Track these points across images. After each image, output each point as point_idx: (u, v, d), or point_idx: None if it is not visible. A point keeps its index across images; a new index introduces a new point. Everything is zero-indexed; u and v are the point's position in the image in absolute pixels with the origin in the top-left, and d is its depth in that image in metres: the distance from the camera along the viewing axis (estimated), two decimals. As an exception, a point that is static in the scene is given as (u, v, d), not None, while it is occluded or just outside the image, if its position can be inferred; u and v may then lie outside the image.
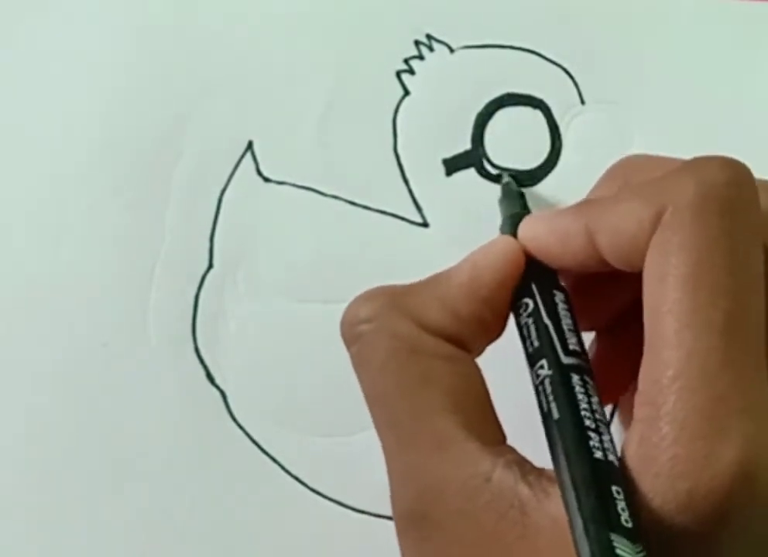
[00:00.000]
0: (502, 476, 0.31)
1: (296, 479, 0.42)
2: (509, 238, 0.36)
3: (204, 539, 0.41)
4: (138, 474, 0.42)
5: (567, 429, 0.31)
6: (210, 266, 0.44)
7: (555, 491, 0.30)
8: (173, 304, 0.43)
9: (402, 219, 0.45)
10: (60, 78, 0.47)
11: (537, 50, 0.47)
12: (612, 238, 0.32)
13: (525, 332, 0.34)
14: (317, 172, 0.45)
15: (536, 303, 0.34)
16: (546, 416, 0.32)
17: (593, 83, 0.46)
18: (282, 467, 0.42)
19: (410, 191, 0.45)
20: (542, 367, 0.33)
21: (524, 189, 0.45)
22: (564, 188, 0.45)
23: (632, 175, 0.37)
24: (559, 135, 0.46)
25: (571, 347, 0.33)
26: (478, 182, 0.45)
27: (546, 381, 0.32)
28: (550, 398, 0.32)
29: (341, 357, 0.42)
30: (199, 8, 0.47)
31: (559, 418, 0.31)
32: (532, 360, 0.33)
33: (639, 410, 0.30)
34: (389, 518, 0.41)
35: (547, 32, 0.47)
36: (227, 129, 0.46)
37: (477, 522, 0.31)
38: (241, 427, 0.42)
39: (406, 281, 0.43)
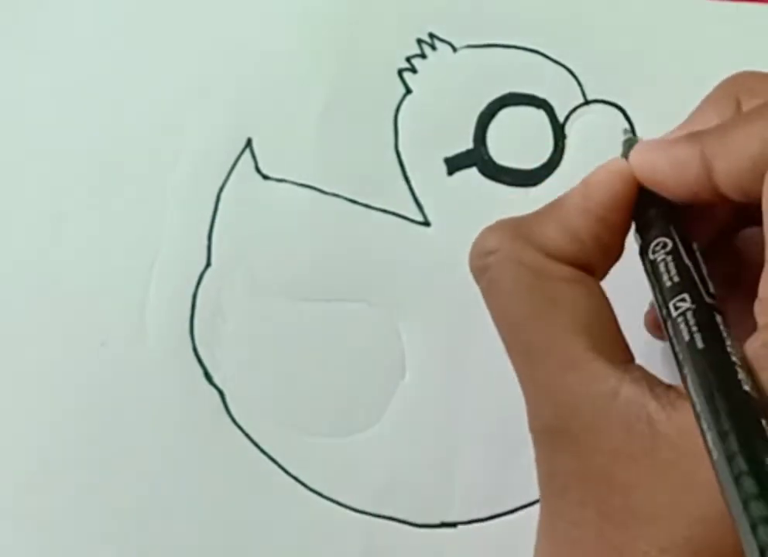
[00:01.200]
0: (630, 390, 0.31)
1: (295, 478, 0.42)
2: (619, 159, 0.36)
3: (202, 539, 0.41)
4: (136, 473, 0.42)
5: (715, 359, 0.31)
6: (209, 264, 0.44)
7: (683, 404, 0.30)
8: (171, 303, 0.43)
9: (404, 218, 0.45)
10: (58, 77, 0.47)
11: (540, 50, 0.47)
12: (733, 162, 0.32)
13: (662, 267, 0.34)
14: (317, 170, 0.45)
15: (675, 244, 0.34)
16: (687, 345, 0.32)
17: (596, 82, 0.46)
18: (281, 467, 0.42)
19: (411, 190, 0.45)
20: (683, 300, 0.33)
21: (526, 189, 0.45)
22: (566, 188, 0.44)
23: (744, 93, 0.36)
24: (562, 135, 0.46)
25: (711, 290, 0.33)
26: (479, 182, 0.45)
27: (689, 313, 0.32)
28: (694, 329, 0.32)
29: (340, 355, 0.43)
30: (199, 6, 0.47)
31: (704, 348, 0.31)
32: (669, 293, 0.33)
33: (762, 317, 0.31)
34: (389, 518, 0.41)
35: (551, 32, 0.47)
36: (226, 126, 0.46)
37: (608, 436, 0.31)
38: (239, 426, 0.42)
39: (407, 280, 0.43)
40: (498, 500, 0.41)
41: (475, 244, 0.36)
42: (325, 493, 0.41)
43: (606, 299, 0.34)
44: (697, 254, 0.35)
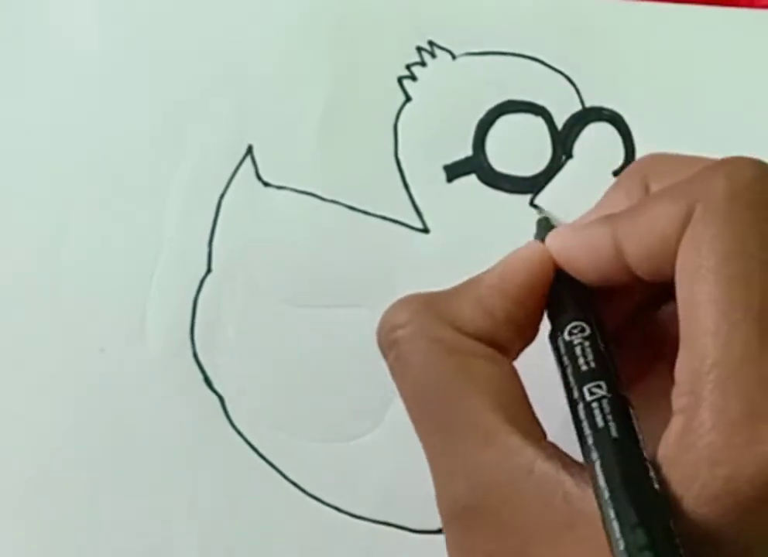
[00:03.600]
0: (546, 466, 0.31)
1: (294, 484, 0.42)
2: (538, 243, 0.37)
3: (202, 544, 0.41)
4: (136, 479, 0.42)
5: (628, 450, 0.31)
6: (209, 271, 0.44)
7: None
8: (172, 309, 0.43)
9: (403, 225, 0.45)
10: (59, 82, 0.47)
11: (539, 57, 0.47)
12: (642, 241, 0.33)
13: (578, 351, 0.34)
14: (317, 177, 0.45)
15: (592, 329, 0.35)
16: (599, 432, 0.32)
17: (594, 89, 0.46)
18: (281, 472, 0.42)
19: (411, 197, 0.45)
20: (599, 386, 0.33)
21: (524, 196, 0.45)
22: (565, 195, 0.45)
23: (652, 176, 0.37)
24: (560, 142, 0.46)
25: (621, 379, 0.34)
26: (479, 189, 0.45)
27: (605, 401, 0.32)
28: (609, 417, 0.32)
29: (340, 361, 0.43)
30: (200, 12, 0.47)
31: (618, 438, 0.31)
32: (585, 378, 0.33)
33: (677, 401, 0.30)
34: (387, 524, 0.41)
35: (549, 39, 0.47)
36: (226, 133, 0.46)
37: (525, 511, 0.31)
38: (239, 432, 0.42)
39: (406, 287, 0.43)
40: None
41: (384, 318, 0.36)
42: (324, 498, 0.41)
43: (519, 378, 0.35)
44: (610, 345, 0.35)
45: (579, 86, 0.46)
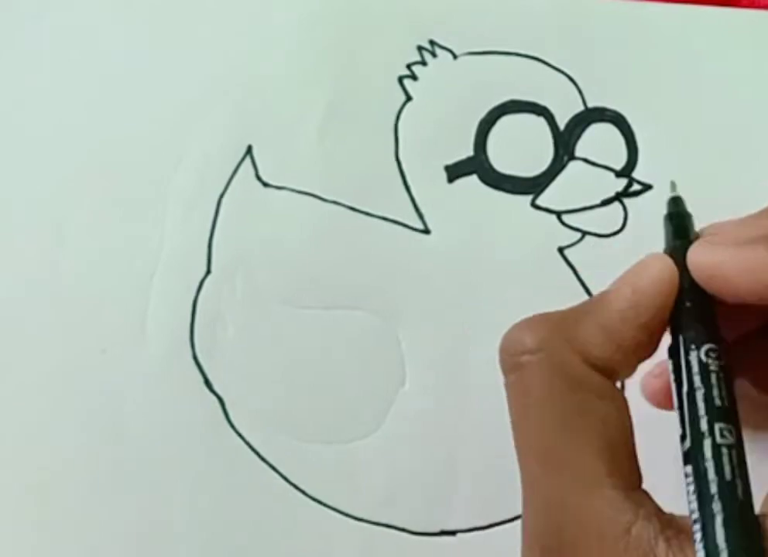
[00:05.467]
0: (642, 528, 0.31)
1: (294, 486, 0.41)
2: (663, 258, 0.35)
3: (202, 546, 0.41)
4: (136, 481, 0.42)
5: (749, 517, 0.30)
6: (209, 272, 0.44)
7: (692, 552, 0.30)
8: (172, 310, 0.43)
9: (404, 225, 0.44)
10: (60, 83, 0.47)
11: (540, 57, 0.47)
12: None
13: (714, 379, 0.32)
14: (317, 178, 0.45)
15: (726, 359, 0.33)
16: (724, 483, 0.30)
17: (596, 89, 0.46)
18: (281, 474, 0.42)
19: (412, 197, 0.45)
20: (730, 432, 0.31)
21: (525, 197, 0.45)
22: (567, 195, 0.45)
23: None
24: (562, 143, 0.46)
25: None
26: (480, 189, 0.45)
27: (734, 452, 0.31)
28: (737, 472, 0.31)
29: (340, 362, 0.43)
30: (201, 14, 0.47)
31: (743, 501, 0.30)
32: (716, 415, 0.32)
33: None
34: (388, 526, 0.41)
35: (551, 39, 0.47)
36: (226, 134, 0.46)
37: None
38: (239, 434, 0.42)
39: (407, 288, 0.43)
40: (498, 509, 0.41)
41: (510, 337, 0.35)
42: (325, 500, 0.41)
43: (629, 414, 0.34)
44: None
45: (581, 86, 0.46)
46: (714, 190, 0.45)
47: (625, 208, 0.45)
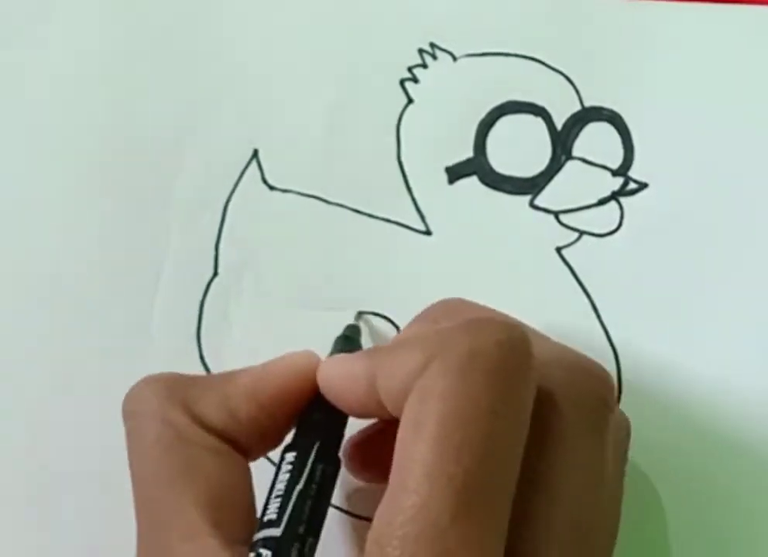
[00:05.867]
0: None
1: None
2: (309, 353, 0.37)
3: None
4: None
5: None
6: (216, 273, 0.44)
7: None
8: (179, 311, 0.44)
9: (406, 227, 0.45)
10: (64, 86, 0.47)
11: (539, 58, 0.47)
12: (387, 382, 0.32)
13: (277, 487, 0.34)
14: (322, 180, 0.45)
15: (303, 468, 0.34)
16: None
17: (594, 90, 0.46)
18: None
19: (413, 199, 0.45)
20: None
21: (523, 197, 0.45)
22: (564, 195, 0.45)
23: (442, 319, 0.37)
24: (560, 142, 0.46)
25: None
26: (480, 190, 0.45)
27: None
28: None
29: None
30: (204, 18, 0.47)
31: None
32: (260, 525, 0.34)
33: (368, 546, 0.30)
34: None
35: (548, 39, 0.47)
36: (232, 138, 0.46)
37: None
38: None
39: (409, 290, 0.44)
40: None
41: (131, 389, 0.36)
42: (328, 499, 0.42)
43: (248, 477, 0.35)
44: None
45: (578, 86, 0.46)
46: (711, 189, 0.45)
47: (621, 207, 0.45)
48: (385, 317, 0.44)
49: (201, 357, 0.43)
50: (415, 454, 0.29)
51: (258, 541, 0.33)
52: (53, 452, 0.43)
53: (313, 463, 0.34)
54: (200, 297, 0.44)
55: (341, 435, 0.36)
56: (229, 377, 0.36)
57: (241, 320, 0.44)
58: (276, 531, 0.33)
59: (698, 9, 0.47)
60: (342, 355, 0.37)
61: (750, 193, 0.45)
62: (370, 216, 0.45)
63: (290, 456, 0.35)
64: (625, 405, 0.41)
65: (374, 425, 0.38)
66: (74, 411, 0.43)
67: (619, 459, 0.35)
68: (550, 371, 0.33)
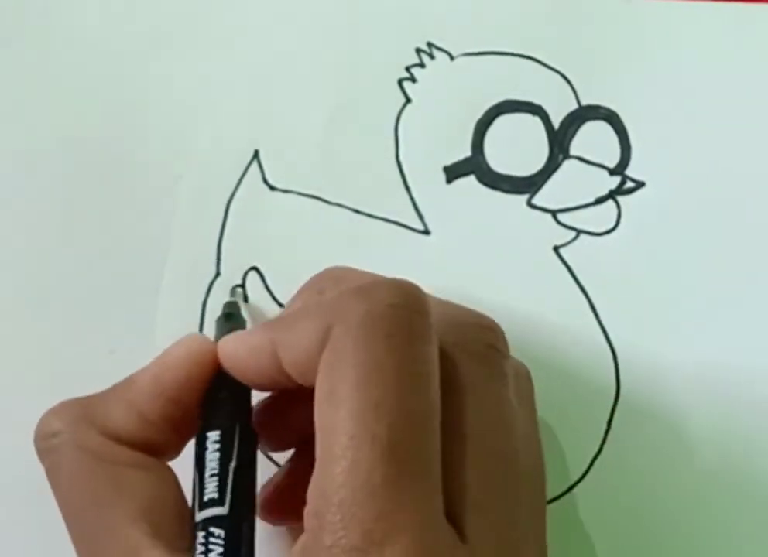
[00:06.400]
0: None
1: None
2: (197, 336, 0.37)
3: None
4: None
5: None
6: (218, 274, 0.44)
7: None
8: (181, 312, 0.44)
9: (404, 226, 0.45)
10: (65, 87, 0.47)
11: (536, 57, 0.47)
12: (290, 353, 0.33)
13: (208, 470, 0.34)
14: (322, 181, 0.45)
15: (232, 442, 0.35)
16: None
17: (591, 88, 0.46)
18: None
19: (412, 198, 0.45)
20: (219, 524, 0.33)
21: (521, 196, 0.45)
22: (562, 193, 0.45)
23: (328, 287, 0.37)
24: (557, 141, 0.46)
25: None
26: (478, 189, 0.45)
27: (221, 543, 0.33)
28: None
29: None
30: (205, 20, 0.47)
31: None
32: (205, 504, 0.34)
33: (306, 521, 0.30)
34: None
35: (545, 38, 0.47)
36: (233, 138, 0.46)
37: None
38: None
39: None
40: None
41: (39, 425, 0.36)
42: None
43: (175, 482, 0.35)
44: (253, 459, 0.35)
45: (575, 84, 0.46)
46: (708, 188, 0.45)
47: (618, 206, 0.45)
48: None
49: (203, 357, 0.43)
50: (336, 422, 0.30)
51: (203, 521, 0.33)
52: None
53: (240, 439, 0.35)
54: (202, 297, 0.44)
55: (250, 409, 0.37)
56: (129, 381, 0.36)
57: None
58: (221, 510, 0.33)
59: (696, 8, 0.47)
60: (240, 332, 0.37)
61: (748, 192, 0.45)
62: (369, 215, 0.45)
63: (214, 435, 0.35)
64: (622, 405, 0.42)
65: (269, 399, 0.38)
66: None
67: (525, 401, 0.36)
68: (442, 328, 0.33)
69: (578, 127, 0.46)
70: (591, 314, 0.44)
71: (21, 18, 0.48)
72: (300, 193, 0.45)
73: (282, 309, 0.43)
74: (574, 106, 0.46)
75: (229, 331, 0.38)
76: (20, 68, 0.47)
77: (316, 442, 0.31)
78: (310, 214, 0.45)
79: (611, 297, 0.44)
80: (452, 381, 0.33)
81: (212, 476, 0.34)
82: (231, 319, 0.41)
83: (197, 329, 0.44)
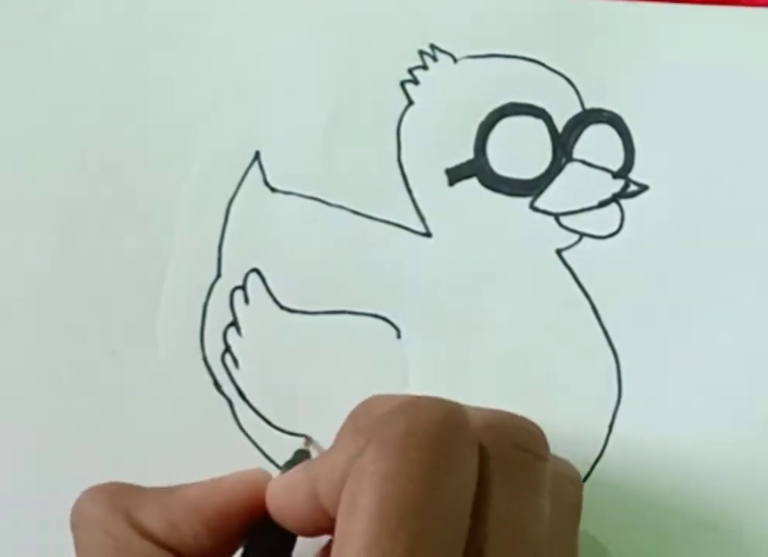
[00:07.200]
0: None
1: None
2: (259, 471, 0.37)
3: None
4: (145, 482, 0.41)
5: None
6: (219, 275, 0.44)
7: None
8: (182, 313, 0.44)
9: (406, 229, 0.45)
10: (65, 88, 0.47)
11: (539, 60, 0.47)
12: (325, 482, 0.32)
13: None
14: (323, 182, 0.45)
15: None
16: None
17: (594, 91, 0.46)
18: (289, 475, 0.42)
19: (414, 201, 0.45)
20: None
21: (524, 199, 0.45)
22: (565, 197, 0.45)
23: (362, 417, 0.36)
24: (560, 144, 0.46)
25: None
26: (480, 192, 0.45)
27: None
28: None
29: (346, 366, 0.43)
30: (206, 21, 0.47)
31: None
32: None
33: None
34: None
35: (548, 41, 0.47)
36: (234, 140, 0.46)
37: None
38: (248, 436, 0.43)
39: (409, 291, 0.44)
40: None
41: (78, 499, 0.36)
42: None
43: None
44: None
45: (579, 87, 0.46)
46: (711, 191, 0.45)
47: (621, 209, 0.45)
48: (385, 319, 0.44)
49: (204, 359, 0.44)
50: (352, 532, 0.29)
51: None
52: (55, 452, 0.43)
53: None
54: (203, 299, 0.44)
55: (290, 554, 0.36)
56: (173, 489, 0.36)
57: (244, 322, 0.44)
58: None
59: (699, 11, 0.47)
60: (287, 472, 0.36)
61: (751, 195, 0.45)
62: (370, 217, 0.45)
63: None
64: (624, 409, 0.42)
65: None
66: (77, 414, 0.43)
67: (566, 508, 0.35)
68: (481, 434, 0.32)
69: (582, 130, 0.46)
70: (594, 317, 0.44)
71: (21, 18, 0.48)
72: (301, 195, 0.45)
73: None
74: (578, 109, 0.46)
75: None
76: (20, 68, 0.47)
77: (332, 549, 0.30)
78: (311, 216, 0.45)
79: (613, 300, 0.44)
80: (482, 486, 0.32)
81: None
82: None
83: (197, 331, 0.44)
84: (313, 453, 0.42)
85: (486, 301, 0.44)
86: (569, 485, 0.35)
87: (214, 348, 0.44)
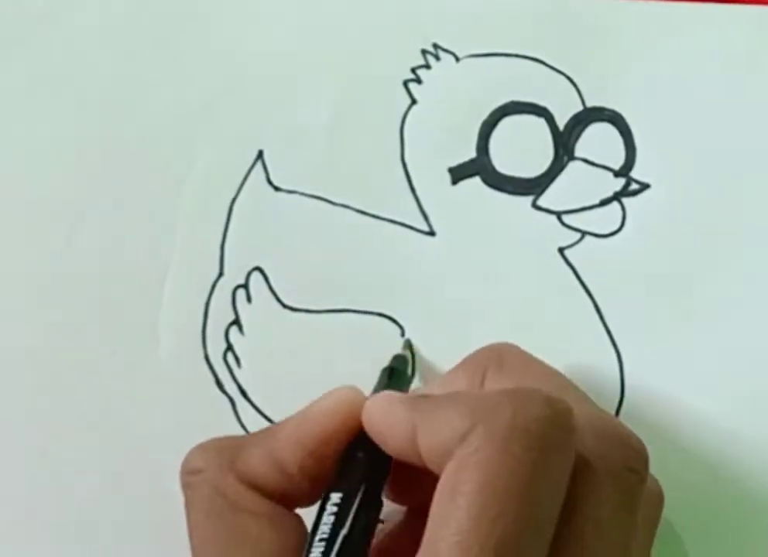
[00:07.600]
0: None
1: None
2: (348, 389, 0.37)
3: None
4: (146, 481, 0.42)
5: None
6: (221, 274, 0.44)
7: None
8: (184, 311, 0.44)
9: (410, 228, 0.45)
10: (66, 88, 0.47)
11: (541, 58, 0.47)
12: (428, 439, 0.32)
13: (321, 530, 0.33)
14: (326, 181, 0.45)
15: (350, 507, 0.34)
16: None
17: (596, 90, 0.46)
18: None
19: (417, 200, 0.45)
20: None
21: (526, 198, 0.45)
22: (567, 195, 0.45)
23: (492, 366, 0.37)
24: (562, 143, 0.46)
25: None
26: (483, 191, 0.45)
27: None
28: None
29: (350, 365, 0.43)
30: (209, 19, 0.47)
31: None
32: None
33: None
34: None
35: (550, 40, 0.47)
36: (237, 139, 0.46)
37: None
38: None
39: (413, 290, 0.44)
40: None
41: (185, 459, 0.37)
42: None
43: (301, 535, 0.35)
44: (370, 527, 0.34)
45: (580, 86, 0.46)
46: (712, 189, 0.45)
47: (623, 207, 0.45)
48: (388, 317, 0.44)
49: (206, 357, 0.44)
50: (450, 521, 0.30)
51: None
52: (55, 452, 0.43)
53: (358, 507, 0.34)
54: (205, 297, 0.44)
55: (386, 475, 0.36)
56: (273, 430, 0.36)
57: (246, 320, 0.44)
58: None
59: (700, 9, 0.47)
60: (386, 395, 0.36)
61: (752, 193, 0.45)
62: (374, 216, 0.45)
63: (336, 497, 0.34)
64: (627, 407, 0.42)
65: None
66: (78, 412, 0.43)
67: (646, 525, 0.35)
68: (586, 438, 0.32)
69: (583, 128, 0.46)
70: (596, 315, 0.44)
71: (21, 19, 0.48)
72: (304, 194, 0.45)
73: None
74: (579, 107, 0.46)
75: (386, 388, 0.38)
76: (20, 68, 0.47)
77: (426, 529, 0.30)
78: (314, 215, 0.45)
79: (615, 298, 0.44)
80: (581, 498, 0.32)
81: (321, 540, 0.33)
82: (393, 375, 0.40)
83: (199, 330, 0.44)
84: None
85: (489, 299, 0.44)
86: (654, 504, 0.36)
87: (216, 347, 0.44)
